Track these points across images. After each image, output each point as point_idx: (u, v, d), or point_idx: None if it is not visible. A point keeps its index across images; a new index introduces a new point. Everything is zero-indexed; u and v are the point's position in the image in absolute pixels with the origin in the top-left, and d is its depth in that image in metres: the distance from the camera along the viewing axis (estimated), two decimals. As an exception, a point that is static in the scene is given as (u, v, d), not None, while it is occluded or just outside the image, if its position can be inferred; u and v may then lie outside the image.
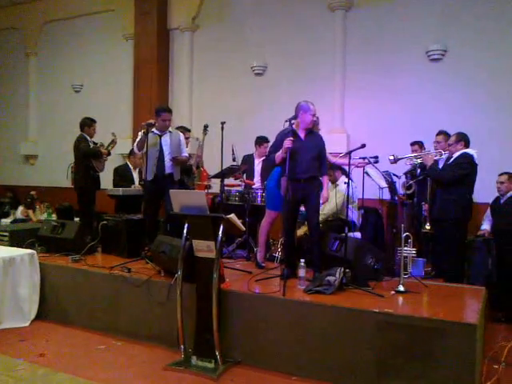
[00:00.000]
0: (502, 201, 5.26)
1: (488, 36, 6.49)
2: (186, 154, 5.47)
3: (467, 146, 4.81)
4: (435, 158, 4.99)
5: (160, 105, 6.41)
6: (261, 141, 6.21)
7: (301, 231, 5.12)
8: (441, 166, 5.02)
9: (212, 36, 8.52)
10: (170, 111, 5.25)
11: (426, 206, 5.37)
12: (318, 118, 4.80)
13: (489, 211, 5.48)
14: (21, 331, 4.41)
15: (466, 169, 4.69)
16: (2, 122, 11.08)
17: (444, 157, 5.02)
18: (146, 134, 4.93)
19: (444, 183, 4.81)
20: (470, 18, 6.60)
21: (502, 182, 5.23)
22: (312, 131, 4.47)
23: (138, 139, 5.14)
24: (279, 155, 4.28)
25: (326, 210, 5.24)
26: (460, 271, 4.78)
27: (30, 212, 8.59)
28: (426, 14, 6.84)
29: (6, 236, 5.31)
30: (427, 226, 5.21)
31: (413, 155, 5.37)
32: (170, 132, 5.24)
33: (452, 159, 4.81)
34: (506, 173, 5.26)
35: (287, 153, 4.11)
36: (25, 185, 10.20)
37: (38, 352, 3.92)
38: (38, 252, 4.91)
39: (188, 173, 5.91)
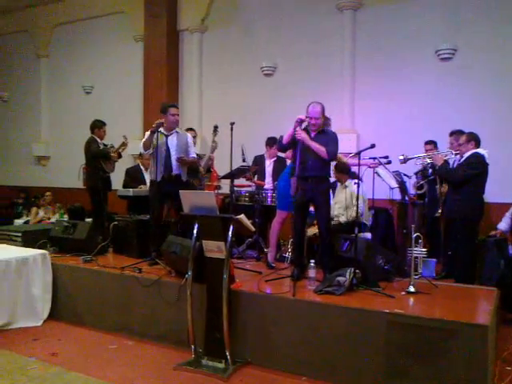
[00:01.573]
0: None
1: (498, 34, 6.43)
2: (194, 155, 5.34)
3: (478, 145, 4.77)
4: (445, 158, 4.95)
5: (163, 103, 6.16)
6: (271, 142, 6.20)
7: (311, 232, 5.12)
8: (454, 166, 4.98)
9: (221, 37, 8.55)
10: (176, 106, 5.17)
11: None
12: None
13: (511, 210, 5.40)
14: (34, 330, 4.46)
15: (476, 169, 4.65)
16: (15, 124, 11.22)
17: (457, 157, 4.97)
18: (153, 133, 4.82)
19: (454, 183, 4.78)
20: (479, 17, 6.55)
21: None
22: (324, 130, 4.42)
23: (144, 139, 5.01)
24: (289, 133, 4.27)
25: (337, 211, 5.28)
26: (471, 271, 4.74)
27: (33, 210, 8.65)
28: (435, 13, 6.80)
29: (18, 236, 5.37)
30: (439, 210, 5.13)
31: (423, 155, 5.34)
32: (177, 132, 5.11)
33: (463, 159, 4.77)
34: None
35: (297, 149, 4.14)
36: (37, 186, 10.32)
37: (50, 351, 3.97)
38: (50, 252, 4.97)
39: (194, 173, 5.85)
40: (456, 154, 4.99)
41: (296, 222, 4.40)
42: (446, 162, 4.95)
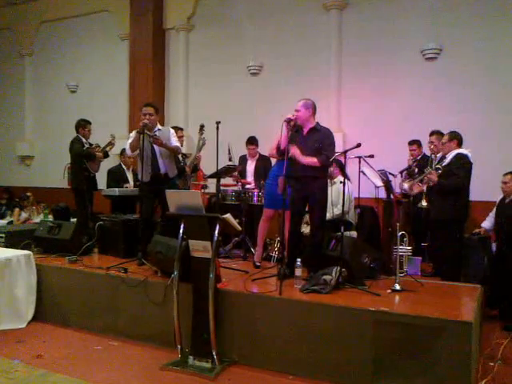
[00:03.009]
0: (507, 200, 5.21)
1: (483, 34, 6.50)
2: (178, 145, 5.24)
3: (460, 145, 4.77)
4: (437, 172, 4.87)
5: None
6: (247, 142, 6.24)
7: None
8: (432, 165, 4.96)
9: (207, 36, 8.52)
10: (150, 105, 5.08)
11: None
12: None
13: (494, 210, 5.44)
14: (18, 332, 4.40)
15: (467, 170, 4.67)
16: (-2, 123, 11.06)
17: (438, 156, 5.00)
18: (140, 133, 4.78)
19: (454, 191, 4.68)
20: (464, 16, 6.62)
21: (505, 182, 5.12)
22: (316, 128, 4.41)
23: (130, 140, 4.98)
24: (284, 136, 4.27)
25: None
26: (457, 269, 4.78)
27: (16, 211, 8.53)
28: (421, 12, 6.85)
29: (2, 237, 5.29)
30: (424, 203, 5.11)
31: (417, 179, 5.12)
32: (159, 130, 5.08)
33: (447, 160, 4.77)
34: (510, 172, 5.15)
35: (286, 151, 4.13)
36: (21, 186, 10.18)
37: (34, 353, 3.91)
38: (34, 253, 4.90)
39: (179, 173, 5.79)
40: (432, 153, 5.01)
41: (292, 220, 4.38)
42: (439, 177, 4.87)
